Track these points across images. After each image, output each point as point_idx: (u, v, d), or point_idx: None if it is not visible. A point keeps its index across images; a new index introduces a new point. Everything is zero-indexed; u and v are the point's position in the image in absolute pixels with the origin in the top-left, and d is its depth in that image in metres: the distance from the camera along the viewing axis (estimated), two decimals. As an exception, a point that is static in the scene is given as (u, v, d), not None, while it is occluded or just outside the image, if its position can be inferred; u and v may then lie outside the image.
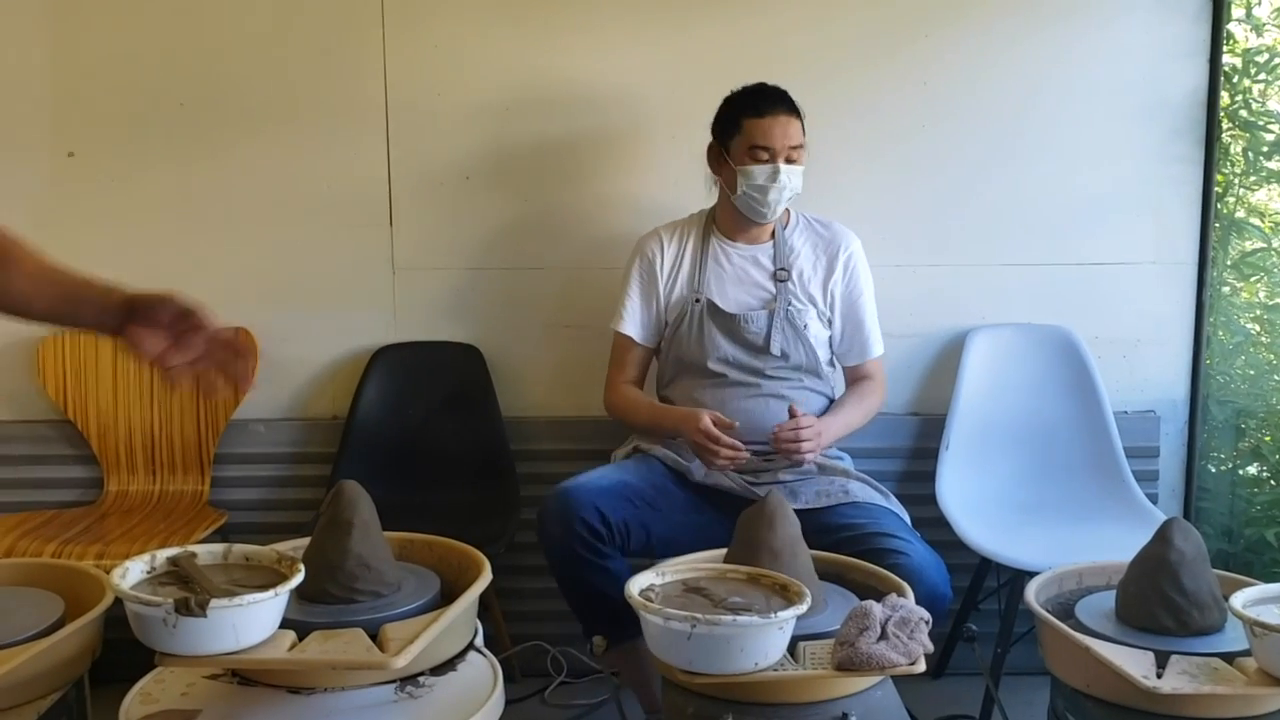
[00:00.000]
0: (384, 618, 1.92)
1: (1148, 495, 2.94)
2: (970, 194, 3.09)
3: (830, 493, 2.59)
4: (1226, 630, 2.01)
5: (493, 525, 2.79)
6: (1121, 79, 3.06)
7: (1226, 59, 3.10)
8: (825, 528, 2.47)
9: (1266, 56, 3.19)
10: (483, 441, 3.05)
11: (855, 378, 2.83)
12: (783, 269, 2.74)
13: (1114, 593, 2.12)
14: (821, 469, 2.66)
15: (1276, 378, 3.34)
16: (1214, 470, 3.32)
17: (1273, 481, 3.30)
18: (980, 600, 3.00)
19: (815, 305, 2.74)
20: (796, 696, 1.86)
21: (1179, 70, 3.06)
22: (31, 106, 3.04)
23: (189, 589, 1.82)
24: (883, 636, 1.82)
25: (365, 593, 1.99)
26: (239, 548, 1.97)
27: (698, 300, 2.72)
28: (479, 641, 2.10)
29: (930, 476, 2.95)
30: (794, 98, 2.68)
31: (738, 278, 2.74)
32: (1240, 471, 3.34)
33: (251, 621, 1.77)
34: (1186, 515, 3.17)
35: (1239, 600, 1.90)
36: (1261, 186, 3.31)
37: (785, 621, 1.79)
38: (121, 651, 1.94)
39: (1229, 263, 3.27)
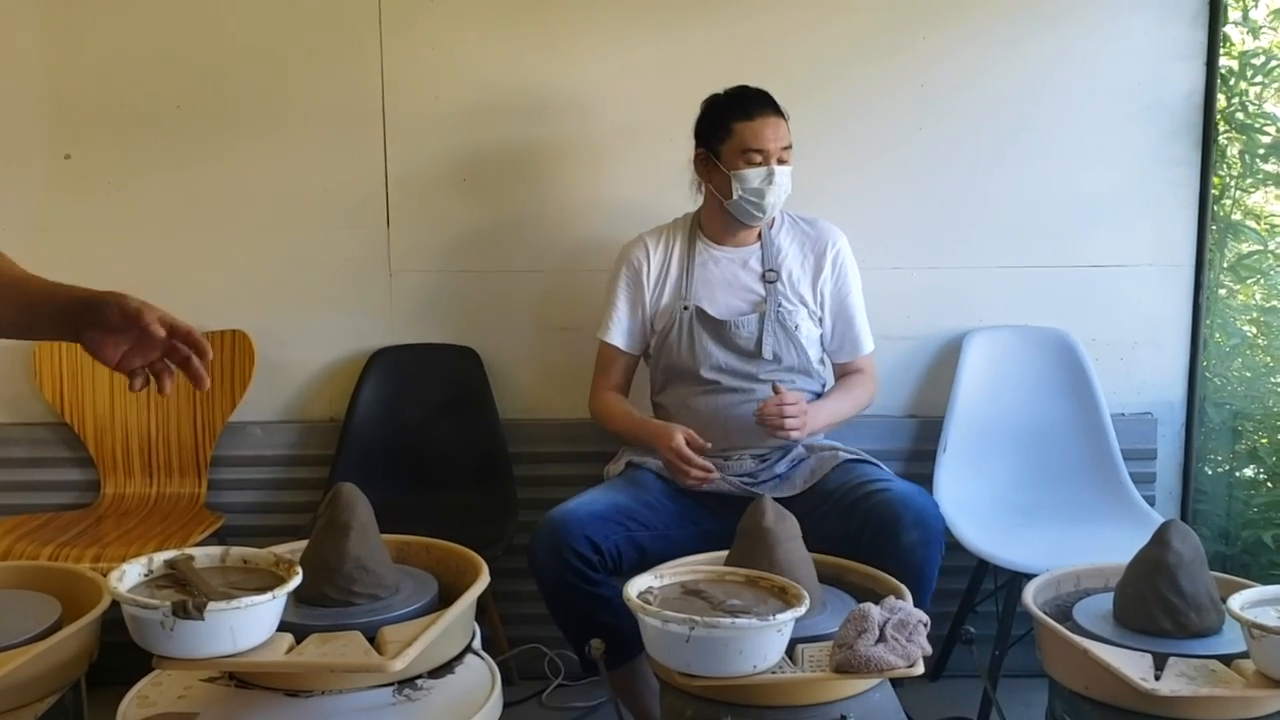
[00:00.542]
0: (382, 620, 1.92)
1: (1145, 497, 2.94)
2: (967, 196, 3.10)
3: (819, 468, 2.61)
4: (1224, 632, 2.01)
5: (490, 528, 2.79)
6: (1119, 81, 3.06)
7: (1223, 62, 3.10)
8: (819, 501, 2.53)
9: (1263, 59, 3.20)
10: (480, 444, 3.05)
11: (845, 373, 2.84)
12: (771, 270, 2.73)
13: (1112, 595, 2.12)
14: (811, 450, 2.67)
15: (1273, 380, 3.35)
16: (1211, 472, 3.32)
17: (1269, 484, 3.30)
18: (978, 602, 3.00)
19: (806, 305, 2.74)
20: (795, 699, 1.86)
21: (1176, 73, 3.06)
22: (28, 109, 3.04)
23: (186, 592, 1.81)
24: (881, 639, 1.82)
25: (363, 595, 1.99)
26: (236, 550, 1.97)
27: (686, 308, 2.71)
28: (477, 644, 2.09)
29: (928, 479, 2.94)
30: (792, 100, 2.68)
31: (726, 282, 2.73)
32: (1237, 474, 3.34)
33: (249, 624, 1.76)
34: (1184, 517, 3.17)
35: (1237, 602, 1.90)
36: (1258, 189, 3.31)
37: (784, 624, 1.79)
38: (119, 654, 1.94)
39: (1226, 265, 3.27)
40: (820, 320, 2.77)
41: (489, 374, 3.09)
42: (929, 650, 1.86)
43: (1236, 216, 3.27)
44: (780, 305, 2.70)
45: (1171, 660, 1.91)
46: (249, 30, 3.03)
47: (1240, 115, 3.21)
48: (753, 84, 2.69)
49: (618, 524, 2.48)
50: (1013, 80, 3.06)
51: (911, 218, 3.10)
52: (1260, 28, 3.23)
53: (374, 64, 3.04)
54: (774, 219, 2.77)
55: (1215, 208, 3.17)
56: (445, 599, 2.03)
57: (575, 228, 3.10)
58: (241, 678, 1.91)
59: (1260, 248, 3.27)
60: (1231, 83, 3.18)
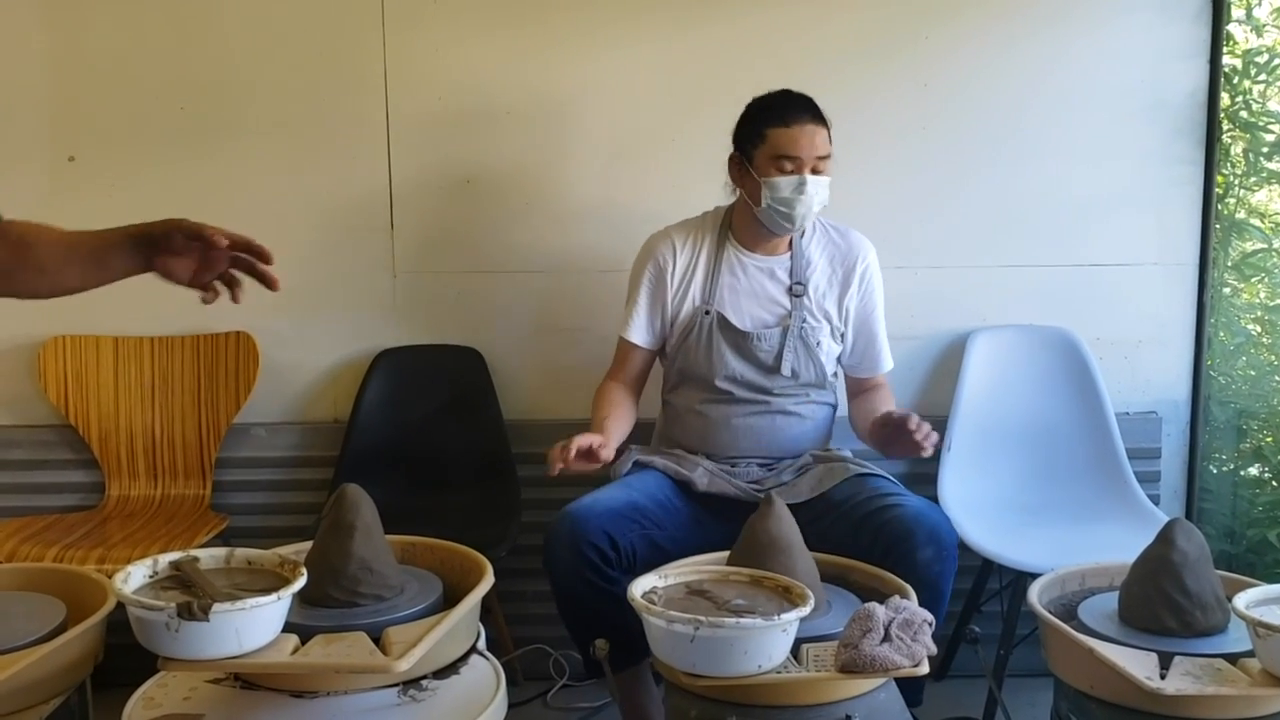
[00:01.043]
0: (387, 621, 1.92)
1: (1149, 496, 2.93)
2: (971, 195, 3.09)
3: (827, 478, 2.58)
4: (1230, 631, 2.01)
5: (495, 528, 2.79)
6: (1122, 80, 3.06)
7: (1227, 60, 3.10)
8: (826, 509, 2.51)
9: (1266, 57, 3.19)
10: (484, 444, 3.05)
11: (867, 388, 2.78)
12: (799, 283, 2.66)
13: (1117, 594, 2.12)
14: (819, 460, 2.66)
15: (1277, 379, 3.34)
16: (1215, 471, 3.32)
17: (1274, 482, 3.30)
18: (983, 602, 3.00)
19: (829, 321, 2.68)
20: (800, 699, 1.86)
21: (1179, 71, 3.06)
22: (32, 111, 3.05)
23: (191, 593, 1.82)
24: (886, 638, 1.82)
25: (368, 596, 1.99)
26: (241, 552, 1.97)
27: (708, 312, 2.65)
28: (481, 645, 2.10)
29: (932, 478, 2.94)
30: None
31: (752, 291, 2.66)
32: (1242, 472, 3.34)
33: (254, 625, 1.77)
34: (1188, 516, 3.16)
35: (1242, 601, 1.90)
36: (1262, 187, 3.31)
37: (788, 624, 1.79)
38: (124, 656, 1.94)
39: (1230, 264, 3.27)
40: (841, 336, 2.71)
41: (492, 375, 3.09)
42: (934, 650, 1.86)
43: (1240, 215, 3.27)
44: (805, 321, 2.64)
45: (1177, 659, 1.91)
46: (252, 32, 3.03)
47: (1244, 114, 3.20)
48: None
49: (634, 521, 2.45)
50: (1016, 79, 3.06)
51: (914, 217, 3.09)
52: (1264, 26, 3.23)
53: (377, 66, 3.04)
54: (808, 228, 2.69)
55: (1219, 206, 3.16)
56: (450, 600, 2.03)
57: (578, 229, 3.10)
58: (247, 679, 1.92)
59: (1264, 246, 3.27)
60: (1235, 81, 3.18)
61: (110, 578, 1.87)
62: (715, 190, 2.72)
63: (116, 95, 3.05)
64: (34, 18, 3.02)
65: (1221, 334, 3.29)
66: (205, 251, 1.74)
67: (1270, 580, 2.06)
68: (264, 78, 3.05)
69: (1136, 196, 3.10)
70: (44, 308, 3.13)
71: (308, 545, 2.10)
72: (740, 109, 2.63)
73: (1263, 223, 3.30)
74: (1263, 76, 3.20)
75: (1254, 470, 3.35)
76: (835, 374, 2.75)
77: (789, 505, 2.29)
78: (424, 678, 1.93)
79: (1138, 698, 1.85)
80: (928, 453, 2.46)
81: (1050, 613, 2.08)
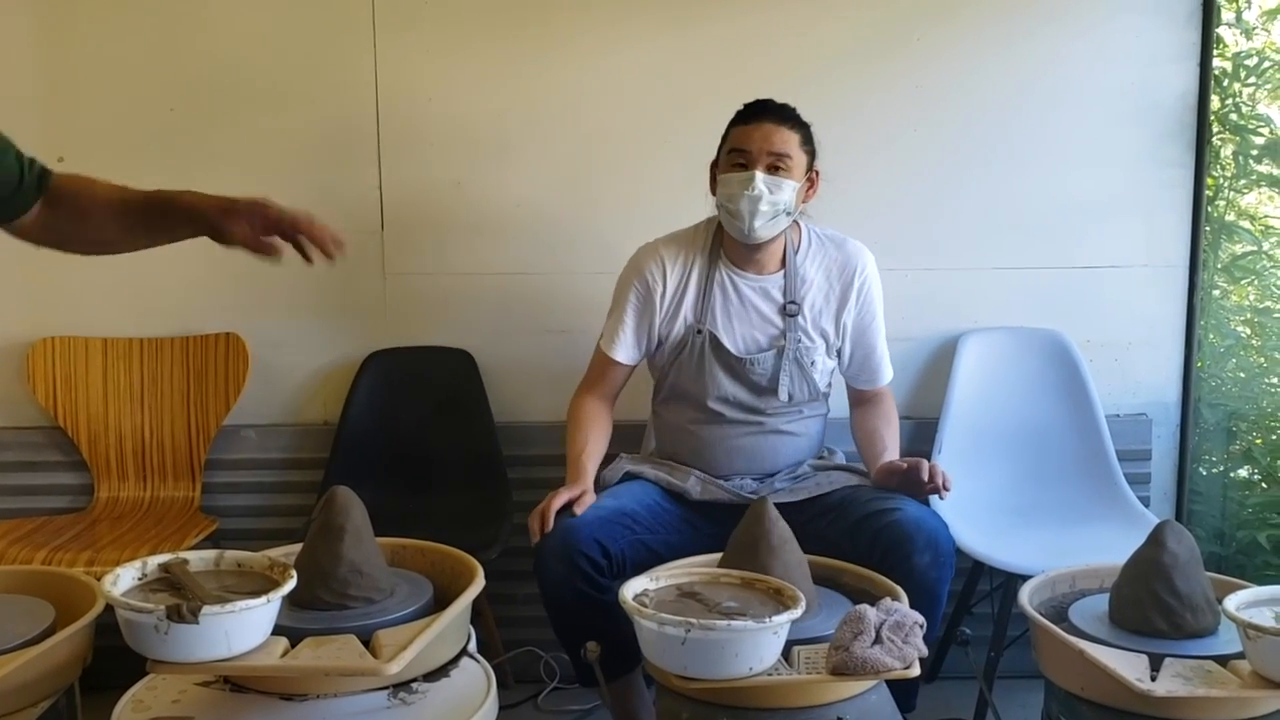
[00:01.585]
0: (377, 624, 1.92)
1: (1140, 498, 2.94)
2: (962, 197, 3.10)
3: (823, 484, 2.58)
4: (1220, 633, 2.02)
5: (485, 531, 2.78)
6: (1112, 83, 3.06)
7: (1217, 63, 3.11)
8: (822, 511, 2.50)
9: (1256, 60, 3.20)
10: (475, 447, 3.05)
11: (867, 399, 2.75)
12: (793, 302, 2.59)
13: (1107, 596, 2.13)
14: (817, 469, 2.65)
15: (1267, 381, 3.35)
16: (1206, 473, 3.32)
17: (1264, 484, 3.31)
18: (974, 604, 3.00)
19: (826, 339, 2.62)
20: (791, 701, 1.86)
21: (1169, 74, 3.07)
22: (21, 111, 3.03)
23: (180, 596, 1.81)
24: (877, 640, 1.82)
25: (358, 599, 1.98)
26: (231, 554, 1.96)
27: (700, 332, 2.59)
28: (472, 647, 2.09)
29: (923, 480, 2.94)
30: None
31: (745, 313, 2.59)
32: (1232, 474, 3.35)
33: (244, 628, 1.76)
34: (1178, 518, 3.17)
35: (1232, 603, 1.91)
36: (1252, 190, 3.32)
37: (780, 626, 1.79)
38: (113, 659, 1.93)
39: (1220, 266, 3.28)
40: (838, 351, 2.67)
41: (483, 377, 3.09)
42: (925, 652, 1.86)
43: (1230, 217, 3.28)
44: (799, 342, 2.59)
45: (1167, 661, 1.91)
46: (242, 34, 3.03)
47: (1234, 116, 3.21)
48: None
49: (625, 527, 2.44)
50: (1007, 81, 3.06)
51: (905, 219, 3.10)
52: (1253, 29, 3.24)
53: (368, 67, 3.04)
54: (800, 240, 2.64)
55: (1209, 209, 3.17)
56: (440, 602, 2.03)
57: (570, 231, 3.10)
58: (236, 682, 1.91)
59: (1254, 248, 3.28)
60: (1225, 84, 3.18)
61: (99, 580, 1.86)
62: (708, 194, 2.72)
63: (106, 96, 3.04)
64: (24, 19, 3.01)
65: (1211, 336, 3.29)
66: (265, 221, 1.81)
67: (1260, 582, 2.06)
68: (254, 79, 3.04)
69: (1127, 199, 3.11)
70: (32, 309, 3.14)
71: (297, 548, 2.10)
72: (732, 111, 2.62)
73: (1252, 225, 3.31)
74: (1252, 79, 3.21)
75: (1244, 472, 3.35)
76: (830, 384, 2.71)
77: (785, 505, 2.29)
78: (414, 680, 1.92)
79: (1128, 699, 1.85)
80: (945, 496, 2.44)
81: (1041, 614, 2.08)
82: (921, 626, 1.88)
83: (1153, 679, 1.86)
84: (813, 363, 2.60)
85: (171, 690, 1.94)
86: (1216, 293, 3.30)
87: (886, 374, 2.73)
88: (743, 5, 3.03)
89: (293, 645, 1.83)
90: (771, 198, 2.47)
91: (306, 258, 1.89)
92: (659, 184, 3.03)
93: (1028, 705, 2.74)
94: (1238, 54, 3.21)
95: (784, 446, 2.63)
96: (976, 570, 2.94)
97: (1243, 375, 3.39)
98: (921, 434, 3.07)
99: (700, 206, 2.75)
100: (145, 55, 3.03)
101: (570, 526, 2.36)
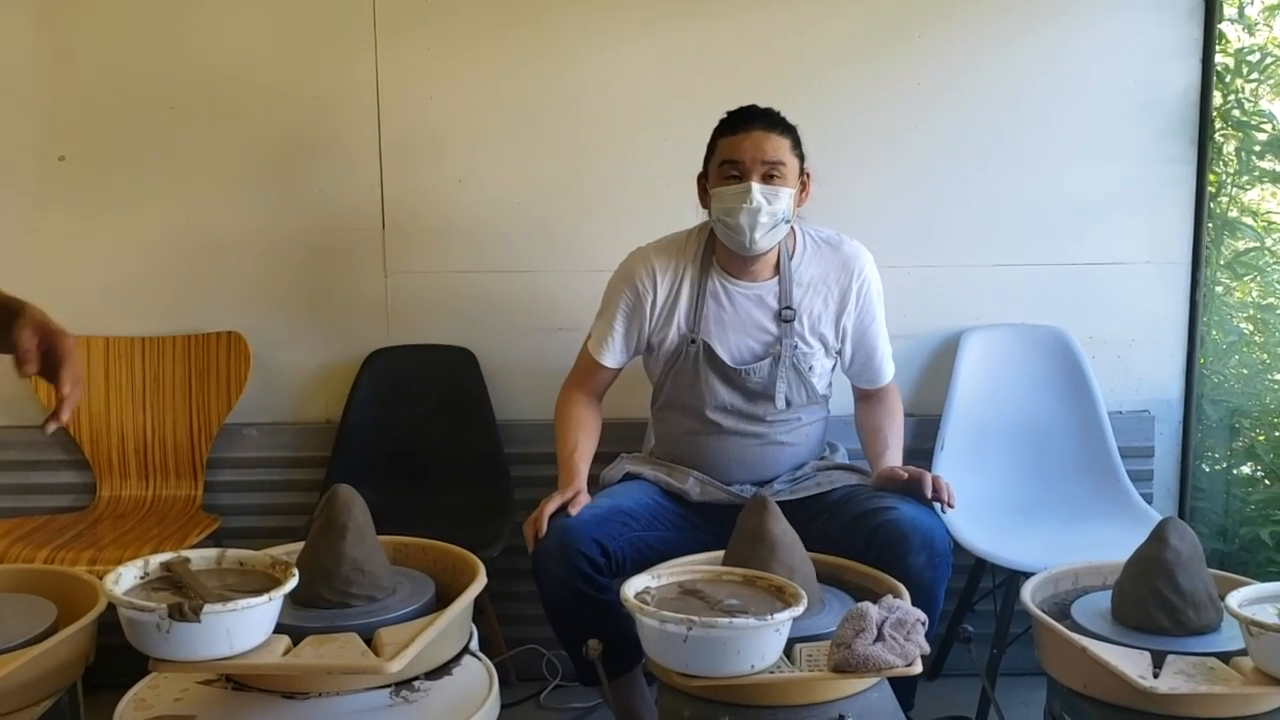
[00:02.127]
0: (379, 622, 1.91)
1: (1142, 495, 2.94)
2: (963, 194, 3.09)
3: (826, 484, 2.57)
4: (1223, 630, 2.01)
5: (487, 529, 2.78)
6: (1114, 79, 3.06)
7: (1219, 59, 3.10)
8: (822, 508, 2.49)
9: (1259, 56, 3.20)
10: (476, 445, 3.05)
11: (871, 395, 2.73)
12: (789, 308, 2.54)
13: (1110, 593, 2.12)
14: (817, 469, 2.65)
15: (1270, 377, 3.35)
16: (1208, 470, 3.32)
17: (1267, 481, 3.30)
18: (976, 601, 3.00)
19: (825, 344, 2.59)
20: (793, 699, 1.85)
21: (1172, 70, 3.06)
22: (22, 110, 3.04)
23: (182, 594, 1.81)
24: (879, 638, 1.82)
25: (360, 597, 1.98)
26: (232, 552, 1.96)
27: (693, 341, 2.55)
28: (474, 645, 2.09)
29: (925, 477, 2.94)
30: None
31: (740, 323, 2.55)
32: (1235, 471, 3.34)
33: (245, 626, 1.76)
34: (1181, 515, 3.17)
35: (1235, 599, 1.90)
36: (1254, 186, 3.31)
37: (781, 624, 1.79)
38: (115, 657, 1.94)
39: (1222, 262, 3.27)
40: (838, 352, 2.64)
41: (485, 375, 3.09)
42: (927, 649, 1.86)
43: (1233, 213, 3.27)
44: (796, 348, 2.55)
45: (1170, 658, 1.90)
46: (243, 31, 3.03)
47: (1236, 112, 3.21)
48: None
49: (622, 525, 2.43)
50: (1008, 78, 3.06)
51: (907, 216, 3.09)
52: (1255, 24, 3.23)
53: (369, 65, 3.03)
54: (795, 244, 2.58)
55: (1212, 205, 3.17)
56: (442, 600, 2.02)
57: (571, 228, 3.10)
58: (238, 680, 1.91)
59: (1257, 245, 3.27)
60: (1227, 80, 3.18)
61: (101, 579, 1.86)
62: (699, 207, 2.71)
63: (107, 95, 3.04)
64: (24, 18, 3.01)
65: (1214, 332, 3.29)
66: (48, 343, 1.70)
67: (1263, 578, 2.06)
68: (255, 77, 3.04)
69: (1129, 195, 3.11)
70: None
71: (299, 546, 2.10)
72: (733, 109, 2.58)
73: (1255, 221, 3.31)
74: (1255, 75, 3.20)
75: (1246, 469, 3.35)
76: (830, 384, 2.69)
77: (785, 504, 2.28)
78: (416, 679, 1.92)
79: (1131, 697, 1.85)
80: (948, 510, 2.43)
81: (1043, 612, 2.08)
82: (923, 624, 1.88)
83: (1155, 676, 1.86)
84: (810, 367, 2.58)
85: (174, 689, 1.94)
86: (1219, 289, 3.30)
87: (888, 373, 2.72)
88: (743, 3, 3.03)
89: (295, 643, 1.83)
90: (770, 208, 2.43)
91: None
92: (660, 181, 3.02)
93: (1030, 703, 2.74)
94: (1240, 50, 3.21)
95: (784, 456, 2.62)
96: (979, 567, 2.94)
97: (1245, 372, 3.39)
98: (924, 431, 3.06)
99: (698, 206, 2.75)
100: (145, 54, 3.03)
101: (568, 526, 2.36)
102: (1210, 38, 3.04)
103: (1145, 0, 3.03)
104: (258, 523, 3.09)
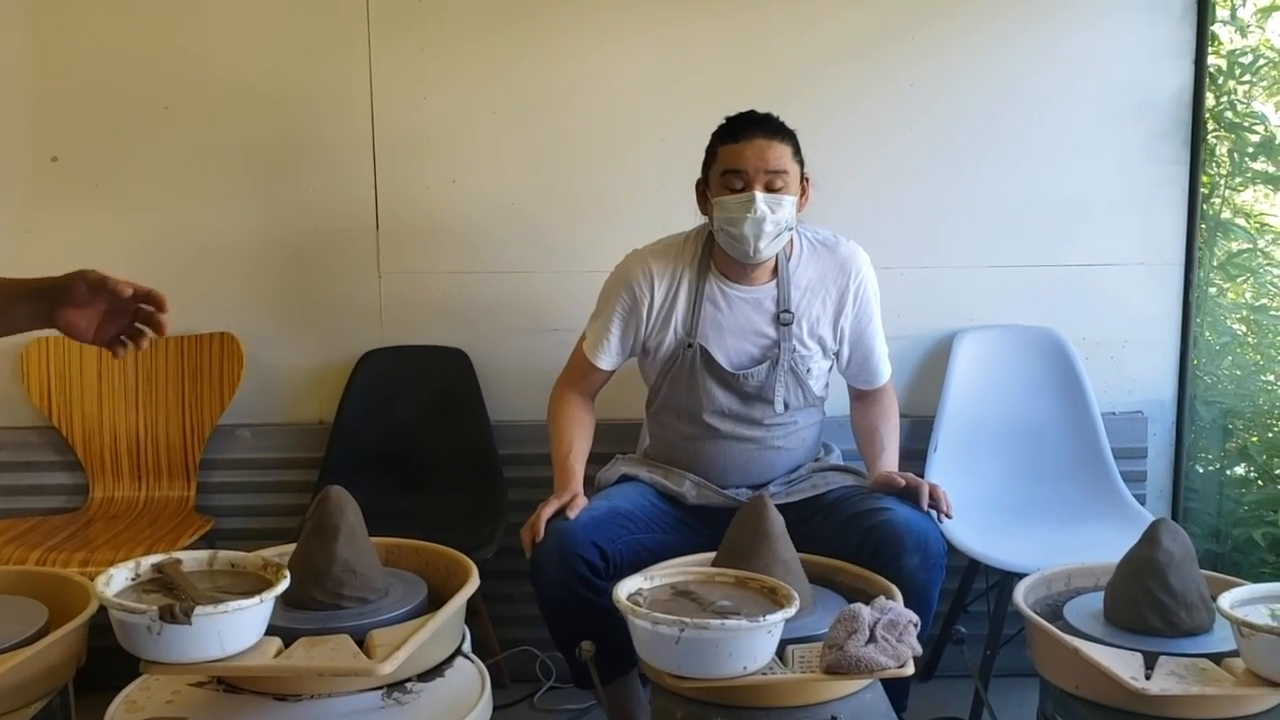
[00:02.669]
0: (371, 624, 1.91)
1: (1135, 496, 2.94)
2: (957, 195, 3.10)
3: (822, 485, 2.56)
4: (1215, 631, 2.02)
5: (480, 530, 2.78)
6: (1107, 80, 3.06)
7: (1211, 60, 3.11)
8: (817, 510, 2.49)
9: (1251, 58, 3.20)
10: (470, 446, 3.04)
11: (867, 395, 2.72)
12: (787, 311, 2.53)
13: (1102, 594, 2.13)
14: (812, 470, 2.65)
15: (1263, 378, 3.35)
16: (1201, 471, 3.32)
17: (1260, 482, 3.31)
18: (969, 602, 3.00)
19: (823, 346, 2.58)
20: (785, 700, 1.86)
21: (1164, 71, 3.06)
22: (15, 111, 3.03)
23: (174, 596, 1.81)
24: (871, 639, 1.82)
25: (352, 599, 1.98)
26: (224, 554, 1.96)
27: (690, 345, 2.54)
28: (467, 647, 2.09)
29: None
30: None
31: (737, 326, 2.54)
32: (1228, 472, 3.34)
33: (237, 628, 1.76)
34: (1174, 516, 3.17)
35: (1227, 601, 1.91)
36: (1247, 187, 3.32)
37: (773, 625, 1.79)
38: (106, 659, 1.93)
39: (1215, 263, 3.27)
40: (835, 354, 2.63)
41: (479, 376, 3.09)
42: (919, 650, 1.86)
43: (1226, 215, 3.27)
44: (795, 351, 2.54)
45: (1162, 659, 1.91)
46: (236, 31, 3.02)
47: (1229, 114, 3.21)
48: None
49: (620, 527, 2.42)
50: (1001, 79, 3.06)
51: (900, 217, 3.09)
52: (1248, 26, 3.23)
53: (362, 65, 3.03)
54: (791, 246, 2.57)
55: (1204, 206, 3.17)
56: (435, 602, 2.03)
57: (565, 229, 3.09)
58: (230, 682, 1.91)
59: (1249, 246, 3.28)
60: (1220, 81, 3.18)
61: (93, 580, 1.86)
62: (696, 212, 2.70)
63: (100, 96, 3.03)
64: (17, 17, 3.01)
65: (1207, 333, 3.29)
66: (110, 304, 1.65)
67: (1255, 580, 2.07)
68: (248, 77, 3.03)
69: (1122, 197, 3.11)
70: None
71: (292, 548, 2.09)
72: (727, 109, 2.58)
73: (1248, 222, 3.31)
74: (1247, 77, 3.21)
75: (1240, 470, 3.35)
76: (826, 385, 2.68)
77: (780, 506, 2.28)
78: (408, 680, 1.92)
79: (1123, 698, 1.86)
80: (944, 520, 2.43)
81: (1036, 613, 2.08)
82: (916, 625, 1.88)
83: (1147, 677, 1.86)
84: (808, 370, 2.57)
85: (165, 691, 1.94)
86: (1212, 290, 3.30)
87: (885, 373, 2.71)
88: (737, 4, 3.02)
89: (286, 645, 1.83)
90: (774, 217, 2.42)
91: (139, 344, 1.68)
92: (654, 182, 3.02)
93: (1023, 704, 2.74)
94: (1232, 51, 3.21)
95: (780, 460, 2.61)
96: (972, 569, 2.94)
97: (1238, 373, 3.39)
98: (917, 432, 3.06)
99: (694, 206, 2.75)
100: (138, 54, 3.02)
101: (565, 529, 2.35)
102: (1203, 39, 3.04)
103: (1138, 2, 3.04)
104: (250, 524, 3.08)
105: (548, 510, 2.39)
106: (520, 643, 3.07)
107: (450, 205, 3.09)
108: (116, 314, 1.66)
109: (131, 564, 1.88)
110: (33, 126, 3.04)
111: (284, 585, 1.83)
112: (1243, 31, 3.23)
